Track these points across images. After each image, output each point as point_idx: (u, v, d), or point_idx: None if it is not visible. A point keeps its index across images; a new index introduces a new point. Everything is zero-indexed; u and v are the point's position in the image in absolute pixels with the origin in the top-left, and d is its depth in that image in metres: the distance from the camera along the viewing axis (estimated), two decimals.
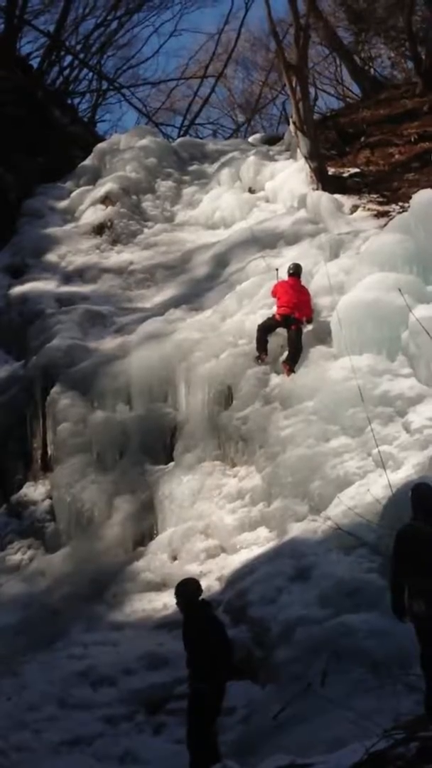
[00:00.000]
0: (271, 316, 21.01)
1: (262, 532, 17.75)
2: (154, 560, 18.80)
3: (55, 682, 15.59)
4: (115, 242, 30.47)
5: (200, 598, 12.74)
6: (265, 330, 20.90)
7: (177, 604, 12.76)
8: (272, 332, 20.95)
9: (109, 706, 14.84)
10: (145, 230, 31.05)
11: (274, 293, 21.41)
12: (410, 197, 23.00)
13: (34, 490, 22.95)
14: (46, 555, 21.43)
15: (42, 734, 14.31)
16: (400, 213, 23.97)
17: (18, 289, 28.68)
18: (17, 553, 21.95)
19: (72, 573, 20.07)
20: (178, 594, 12.74)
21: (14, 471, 23.99)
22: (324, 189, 27.51)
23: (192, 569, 17.31)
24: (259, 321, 21.33)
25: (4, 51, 41.75)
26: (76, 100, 52.80)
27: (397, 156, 30.73)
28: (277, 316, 20.81)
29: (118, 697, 15.00)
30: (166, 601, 16.94)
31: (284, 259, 23.60)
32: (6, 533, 22.66)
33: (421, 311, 18.11)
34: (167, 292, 26.68)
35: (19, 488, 23.43)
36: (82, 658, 16.27)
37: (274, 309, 21.19)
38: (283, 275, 22.08)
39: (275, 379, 20.24)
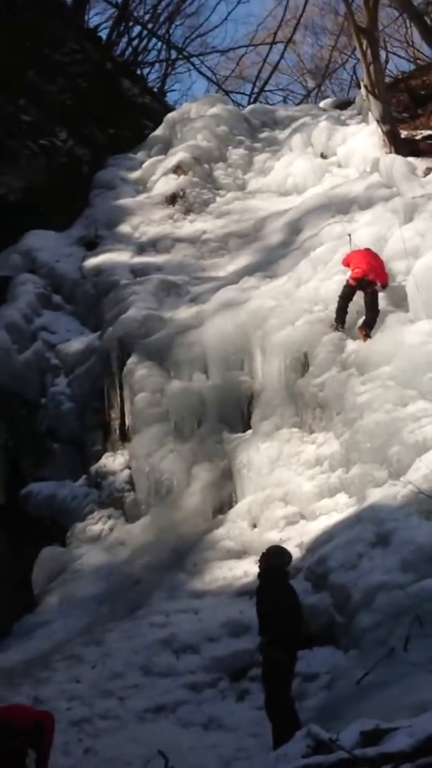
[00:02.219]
0: (345, 283, 20.83)
1: (341, 498, 17.67)
2: (234, 528, 18.81)
3: (138, 650, 15.68)
4: (187, 212, 30.45)
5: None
6: (345, 299, 20.70)
7: (261, 566, 12.78)
8: (351, 300, 20.78)
9: (192, 673, 14.91)
10: (218, 199, 31.01)
11: (346, 263, 21.20)
12: None
13: (113, 461, 23.10)
14: (126, 525, 21.59)
15: (126, 702, 14.42)
16: None
17: (92, 261, 28.81)
18: (98, 524, 22.14)
19: (152, 542, 20.19)
20: (270, 557, 12.76)
21: (93, 442, 24.19)
22: (397, 152, 27.22)
23: (272, 536, 17.30)
24: (334, 287, 21.20)
25: (74, 23, 41.78)
26: (146, 71, 52.84)
27: None
28: (351, 281, 20.61)
29: (201, 665, 15.07)
30: (246, 569, 16.99)
31: (358, 224, 23.39)
32: (86, 504, 22.86)
33: None
34: (241, 261, 26.60)
35: (98, 459, 23.61)
36: (164, 626, 16.34)
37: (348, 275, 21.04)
38: (356, 242, 21.90)
39: (351, 345, 20.09)
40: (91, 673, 15.30)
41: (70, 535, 22.45)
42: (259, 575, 12.99)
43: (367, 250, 21.26)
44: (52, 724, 12.02)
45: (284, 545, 14.80)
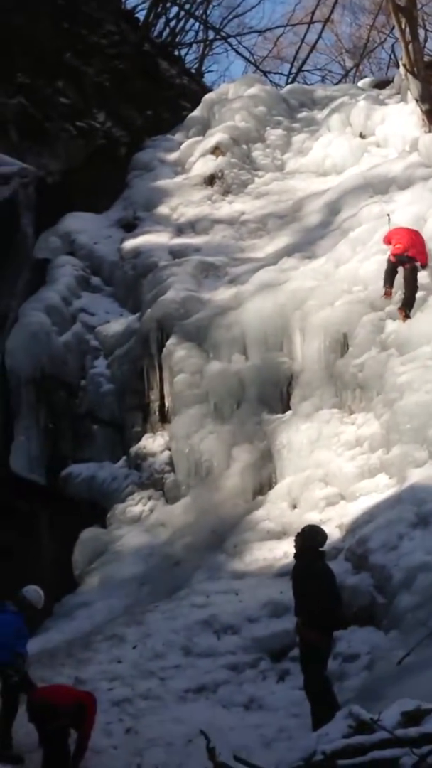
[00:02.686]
0: (387, 258, 20.70)
1: (382, 479, 17.64)
2: (274, 509, 18.83)
3: (178, 630, 15.74)
4: (226, 193, 30.36)
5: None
6: (390, 273, 20.58)
7: (296, 547, 12.78)
8: (396, 274, 20.64)
9: (233, 653, 14.95)
10: (256, 179, 30.89)
11: (387, 240, 21.08)
12: None
13: (153, 442, 23.15)
14: (166, 506, 21.65)
15: (167, 682, 14.49)
16: None
17: (131, 243, 28.80)
18: (138, 505, 22.21)
19: (192, 523, 20.24)
20: (305, 537, 12.76)
21: (132, 423, 24.24)
22: None
23: (312, 517, 17.30)
24: (373, 267, 21.12)
25: (111, 5, 41.71)
26: (183, 52, 52.60)
27: None
28: (392, 257, 20.50)
29: (241, 645, 15.11)
30: (286, 550, 16.96)
31: (397, 204, 23.27)
32: (126, 485, 22.94)
33: None
34: (280, 241, 26.50)
35: (137, 440, 23.66)
36: (205, 606, 16.39)
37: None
38: (395, 221, 21.78)
39: (391, 326, 20.01)
40: (132, 654, 15.38)
41: (110, 516, 22.54)
42: (295, 556, 12.99)
43: (410, 228, 21.15)
44: (94, 704, 12.12)
45: (323, 526, 14.78)
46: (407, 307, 19.91)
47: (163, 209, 30.37)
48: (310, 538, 12.94)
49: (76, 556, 21.96)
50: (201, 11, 52.14)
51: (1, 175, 32.09)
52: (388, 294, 20.40)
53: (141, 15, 46.46)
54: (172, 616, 16.32)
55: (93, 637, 16.43)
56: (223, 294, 24.14)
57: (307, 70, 57.23)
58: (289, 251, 25.00)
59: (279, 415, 20.88)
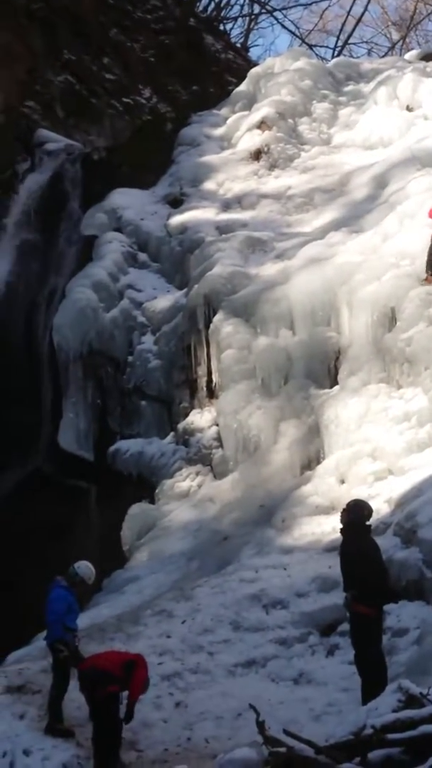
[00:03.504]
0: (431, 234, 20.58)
1: (430, 453, 17.55)
2: (322, 484, 18.80)
3: (227, 605, 15.78)
4: (272, 167, 30.24)
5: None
6: None
7: (342, 521, 12.77)
8: None
9: (282, 628, 14.98)
10: (302, 154, 30.74)
11: (431, 214, 20.92)
12: None
13: (201, 418, 23.19)
14: (215, 481, 21.69)
15: (216, 656, 14.54)
16: None
17: (177, 219, 28.78)
18: (186, 480, 22.27)
19: (240, 498, 20.27)
20: (350, 512, 12.75)
21: (180, 399, 24.30)
22: None
23: (360, 492, 17.24)
24: (421, 241, 20.96)
25: None
26: (229, 26, 52.50)
27: None
28: None
29: (290, 620, 15.12)
30: (334, 525, 16.86)
31: None
32: (174, 461, 23.00)
33: None
34: (326, 216, 26.38)
35: (185, 416, 23.72)
36: (254, 581, 16.42)
37: None
38: None
39: None
40: (182, 628, 15.44)
41: (158, 491, 22.62)
42: (342, 531, 12.97)
43: None
44: (144, 663, 12.17)
45: (372, 501, 14.75)
46: None
47: (209, 185, 30.31)
48: (355, 512, 12.92)
49: (124, 532, 22.06)
50: None
51: (48, 151, 32.22)
52: (429, 280, 20.25)
53: None
54: (221, 591, 16.36)
55: (142, 612, 16.50)
56: (270, 269, 24.08)
57: (354, 43, 57.11)
58: (336, 225, 24.89)
59: (326, 390, 20.83)
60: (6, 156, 32.70)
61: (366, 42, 59.35)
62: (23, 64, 34.18)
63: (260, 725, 9.78)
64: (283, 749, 9.20)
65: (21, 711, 12.81)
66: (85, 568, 13.44)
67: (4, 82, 33.25)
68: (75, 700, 12.68)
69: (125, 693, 11.84)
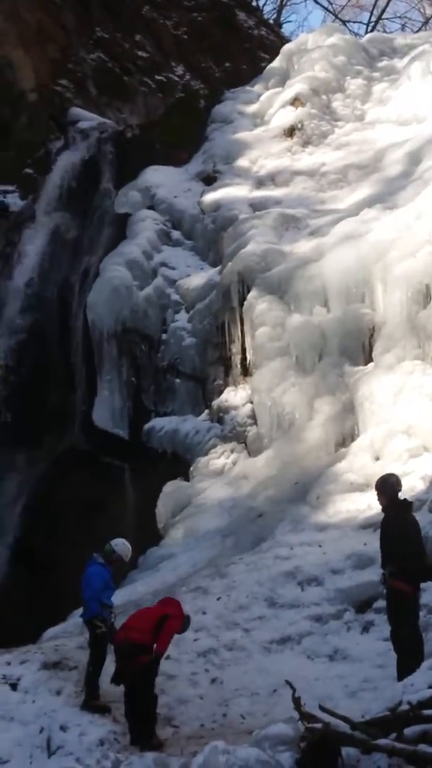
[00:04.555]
0: None
1: None
2: (357, 461, 18.76)
3: (262, 582, 15.80)
4: (306, 144, 30.12)
5: (402, 497, 12.70)
6: None
7: (380, 500, 12.75)
8: None
9: (317, 605, 14.97)
10: (336, 130, 30.59)
11: None
12: None
13: (235, 395, 23.20)
14: (249, 459, 21.71)
15: (252, 633, 14.56)
16: None
17: (211, 196, 28.73)
18: (220, 458, 22.30)
19: (275, 475, 20.27)
20: (378, 489, 12.73)
21: (214, 377, 24.34)
22: None
23: (395, 469, 17.16)
24: None
25: None
26: (261, 2, 52.27)
27: None
28: None
29: (325, 597, 15.12)
30: (369, 502, 16.91)
31: None
32: (209, 438, 23.03)
33: None
34: (360, 192, 26.24)
35: (219, 393, 23.74)
36: (289, 558, 16.42)
37: None
38: None
39: None
40: (217, 605, 15.47)
41: (193, 469, 22.67)
42: (384, 509, 12.93)
43: None
44: (178, 612, 12.19)
45: (407, 477, 14.71)
46: None
47: (242, 162, 30.22)
48: (391, 489, 12.85)
49: (159, 509, 22.13)
50: None
51: (81, 130, 32.23)
52: None
53: None
54: (256, 568, 16.38)
55: (177, 589, 16.55)
56: (304, 246, 24.01)
57: (387, 19, 56.81)
58: (370, 202, 24.76)
59: (361, 367, 20.78)
60: (39, 135, 32.80)
61: (399, 17, 59.08)
62: (56, 43, 34.24)
63: (296, 701, 9.80)
64: (318, 725, 9.22)
65: (58, 687, 12.88)
66: (122, 545, 13.48)
67: (37, 60, 33.33)
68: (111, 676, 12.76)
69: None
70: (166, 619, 12.01)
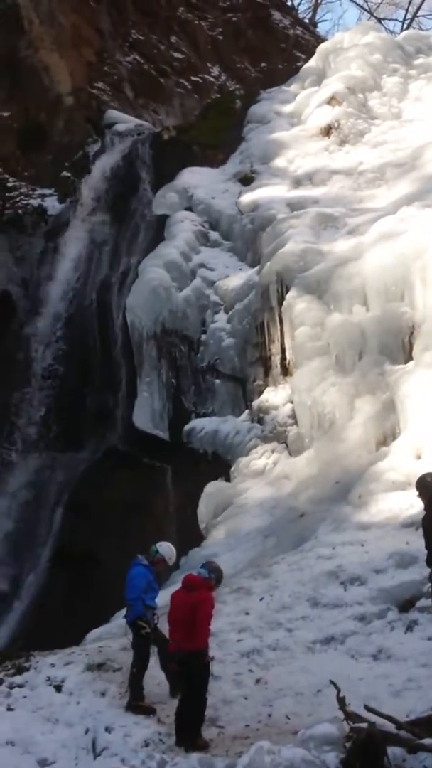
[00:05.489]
0: None
1: None
2: (398, 460, 18.69)
3: (305, 582, 15.78)
4: (343, 143, 30.07)
5: None
6: None
7: (424, 499, 12.71)
8: None
9: (360, 604, 14.93)
10: (373, 128, 30.53)
11: None
12: None
13: (275, 395, 23.18)
14: (290, 458, 21.67)
15: (295, 633, 14.54)
16: None
17: (248, 197, 28.75)
18: (261, 458, 22.28)
19: (316, 475, 20.24)
20: (419, 488, 12.69)
21: (254, 377, 24.33)
22: None
23: None
24: None
25: None
26: (296, 2, 52.21)
27: None
28: None
29: (368, 596, 15.07)
30: (411, 500, 16.83)
31: None
32: (249, 439, 23.02)
33: None
34: (398, 190, 26.14)
35: (259, 394, 23.74)
36: (331, 558, 16.39)
37: None
38: None
39: None
40: (260, 605, 15.47)
41: (233, 469, 22.68)
42: (425, 507, 12.90)
43: None
44: (200, 585, 12.15)
45: None
46: None
47: (279, 162, 30.22)
48: (429, 486, 12.82)
49: (201, 510, 22.15)
50: None
51: (118, 132, 32.35)
52: None
53: None
54: (299, 568, 16.37)
55: (220, 589, 16.47)
56: (342, 245, 23.96)
57: (423, 15, 56.59)
58: (408, 200, 24.65)
59: (401, 366, 20.70)
60: (76, 138, 32.94)
61: None
62: (91, 46, 34.37)
63: (341, 701, 9.80)
64: (364, 725, 9.22)
65: (102, 688, 12.92)
66: (166, 547, 13.50)
67: (73, 64, 33.48)
68: (155, 677, 12.78)
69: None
70: (197, 606, 11.94)
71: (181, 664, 11.83)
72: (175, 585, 18.78)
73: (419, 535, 13.22)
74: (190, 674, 11.69)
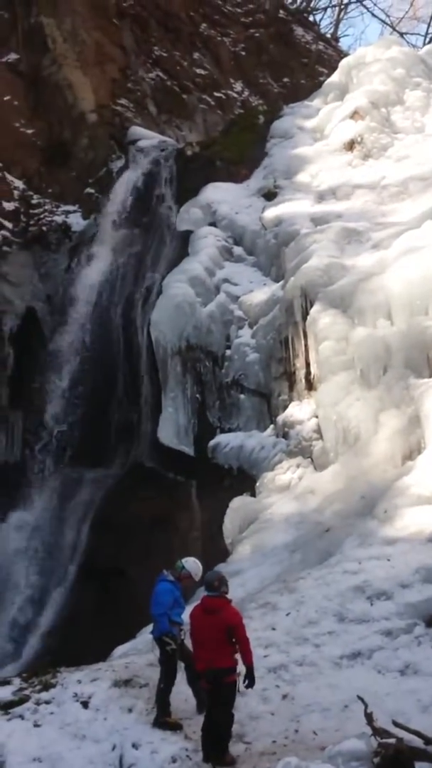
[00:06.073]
0: None
1: None
2: (424, 474, 18.64)
3: (331, 597, 15.74)
4: (366, 157, 30.09)
5: None
6: None
7: None
8: None
9: (387, 619, 14.89)
10: (396, 143, 30.53)
11: None
12: None
13: (300, 410, 23.15)
14: (315, 473, 21.64)
15: (322, 648, 14.50)
16: None
17: (272, 212, 28.79)
18: (286, 473, 22.25)
19: (342, 490, 20.19)
20: None
21: (279, 392, 24.31)
22: None
23: None
24: None
25: None
26: (318, 17, 52.36)
27: None
28: None
29: (395, 611, 15.03)
30: None
31: None
32: (274, 453, 22.99)
33: None
34: (422, 204, 26.11)
35: (284, 408, 23.71)
36: (357, 573, 16.35)
37: None
38: None
39: None
40: (286, 621, 15.43)
41: (259, 484, 22.64)
42: None
43: None
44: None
45: None
46: None
47: (303, 176, 30.26)
48: None
49: (226, 525, 22.12)
50: None
51: (142, 148, 32.46)
52: None
53: None
54: (325, 583, 16.33)
55: (246, 605, 16.54)
56: (366, 260, 23.94)
57: None
58: None
59: (426, 380, 20.64)
60: (100, 154, 33.07)
61: None
62: (115, 63, 34.52)
63: (368, 716, 9.78)
64: (392, 740, 9.20)
65: (129, 704, 12.92)
66: (192, 563, 13.50)
67: (96, 81, 33.63)
68: (182, 693, 12.77)
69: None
70: (234, 630, 11.92)
71: (213, 682, 11.79)
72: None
73: None
74: (220, 692, 11.67)
